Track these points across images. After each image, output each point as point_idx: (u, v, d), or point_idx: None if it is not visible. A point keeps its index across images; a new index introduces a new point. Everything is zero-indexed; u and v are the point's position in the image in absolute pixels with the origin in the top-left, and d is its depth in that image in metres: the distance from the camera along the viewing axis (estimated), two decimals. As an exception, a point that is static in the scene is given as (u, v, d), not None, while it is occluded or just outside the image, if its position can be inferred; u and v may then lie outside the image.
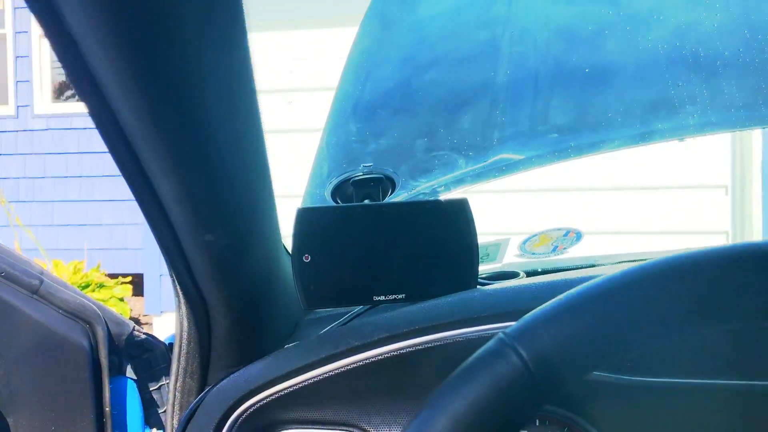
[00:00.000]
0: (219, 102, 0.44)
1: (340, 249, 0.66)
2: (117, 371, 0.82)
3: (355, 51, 1.04)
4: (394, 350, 0.58)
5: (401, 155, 0.86)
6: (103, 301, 4.21)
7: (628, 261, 1.02)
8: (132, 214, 5.07)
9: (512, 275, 0.88)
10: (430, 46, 1.07)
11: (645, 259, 1.05)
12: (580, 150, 1.07)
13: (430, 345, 0.58)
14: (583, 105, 1.05)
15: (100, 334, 0.77)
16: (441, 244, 0.67)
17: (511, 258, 0.99)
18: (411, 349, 0.58)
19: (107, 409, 0.78)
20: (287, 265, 0.73)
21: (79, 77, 0.38)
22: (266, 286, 0.66)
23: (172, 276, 0.61)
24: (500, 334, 0.35)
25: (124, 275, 4.64)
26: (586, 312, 0.35)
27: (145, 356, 0.85)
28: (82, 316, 0.75)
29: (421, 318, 0.59)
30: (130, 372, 0.83)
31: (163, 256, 0.57)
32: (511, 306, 0.58)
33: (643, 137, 1.06)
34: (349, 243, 0.66)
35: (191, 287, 0.60)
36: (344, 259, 0.66)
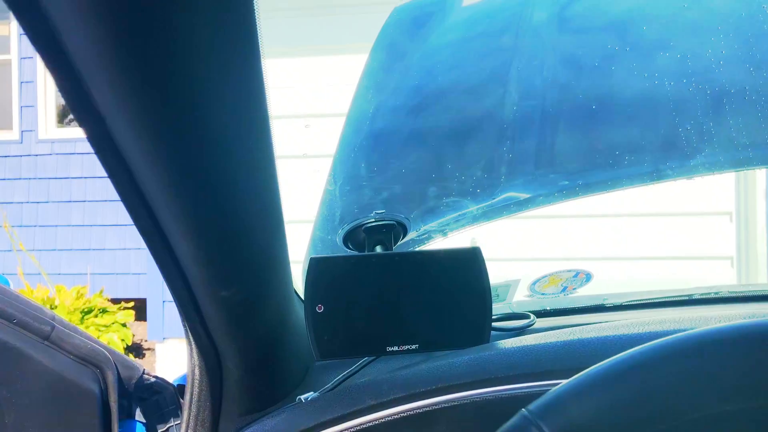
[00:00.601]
0: (241, 164, 0.44)
1: (354, 299, 0.66)
2: (126, 414, 0.82)
3: (364, 81, 1.05)
4: (410, 410, 0.58)
5: (412, 200, 0.86)
6: (106, 326, 4.20)
7: (637, 301, 1.01)
8: (135, 238, 5.06)
9: (523, 316, 0.88)
10: (438, 76, 1.08)
11: (653, 299, 1.05)
12: (589, 189, 1.06)
13: (447, 405, 0.57)
14: (591, 142, 1.05)
15: (110, 378, 0.77)
16: (454, 294, 0.67)
17: (520, 297, 0.99)
18: (428, 408, 0.58)
19: (116, 454, 0.78)
20: (299, 311, 0.73)
21: (104, 151, 0.38)
22: (279, 334, 0.66)
23: (185, 325, 0.61)
24: (524, 411, 0.35)
25: (127, 300, 4.63)
26: (609, 390, 0.35)
27: (154, 398, 0.85)
28: (92, 362, 0.75)
29: (437, 377, 0.58)
30: (139, 415, 0.83)
31: (177, 307, 0.57)
32: (528, 367, 0.57)
33: (652, 176, 1.05)
34: (363, 292, 0.66)
35: (204, 338, 0.60)
36: (357, 309, 0.66)
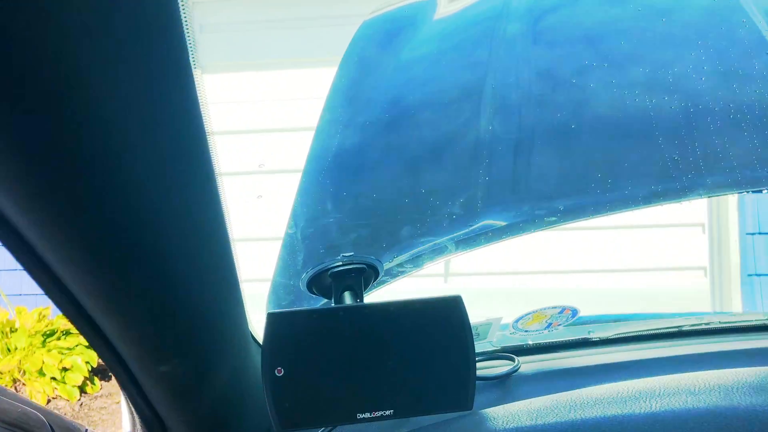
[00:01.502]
0: (171, 218, 0.36)
1: (319, 359, 0.58)
2: (67, 482, 0.73)
3: (332, 96, 0.99)
4: None
5: (383, 235, 0.79)
6: (69, 349, 4.05)
7: (624, 335, 0.96)
8: (100, 256, 4.90)
9: (505, 357, 0.81)
10: (410, 92, 1.03)
11: (641, 332, 0.99)
12: (570, 216, 1.01)
13: None
14: (570, 166, 1.01)
15: (46, 444, 0.68)
16: (433, 351, 0.59)
17: (501, 333, 0.93)
18: None
19: None
20: (257, 360, 0.65)
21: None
22: (234, 398, 0.58)
23: (124, 395, 0.53)
24: None
25: (92, 321, 4.48)
26: None
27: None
28: (24, 427, 0.66)
29: None
30: (83, 481, 0.74)
31: (115, 377, 0.49)
32: None
33: (637, 201, 1.00)
34: (329, 351, 0.58)
35: (146, 409, 0.52)
36: (323, 371, 0.58)
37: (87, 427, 0.75)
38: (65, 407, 3.71)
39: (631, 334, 0.96)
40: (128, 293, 0.37)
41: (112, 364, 0.44)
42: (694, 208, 3.41)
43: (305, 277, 0.67)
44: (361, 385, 0.58)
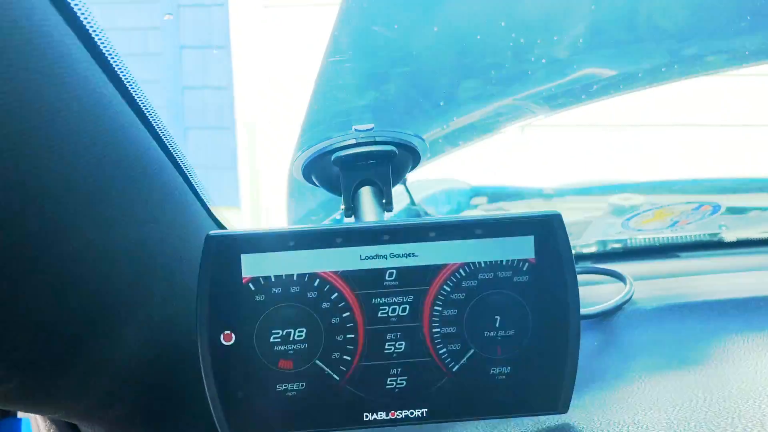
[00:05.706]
0: None
1: (298, 318, 0.33)
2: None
3: None
4: None
5: (436, 81, 0.53)
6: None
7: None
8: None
9: (612, 274, 0.56)
10: None
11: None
12: (694, 66, 0.77)
13: None
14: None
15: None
16: (503, 312, 0.34)
17: (601, 229, 0.68)
18: None
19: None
20: None
21: None
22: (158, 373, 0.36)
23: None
24: None
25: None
26: None
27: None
28: None
29: None
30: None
31: None
32: None
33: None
34: (312, 306, 0.33)
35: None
36: (305, 339, 0.34)
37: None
38: None
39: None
40: None
41: None
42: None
43: (301, 159, 0.41)
44: (374, 365, 0.34)
